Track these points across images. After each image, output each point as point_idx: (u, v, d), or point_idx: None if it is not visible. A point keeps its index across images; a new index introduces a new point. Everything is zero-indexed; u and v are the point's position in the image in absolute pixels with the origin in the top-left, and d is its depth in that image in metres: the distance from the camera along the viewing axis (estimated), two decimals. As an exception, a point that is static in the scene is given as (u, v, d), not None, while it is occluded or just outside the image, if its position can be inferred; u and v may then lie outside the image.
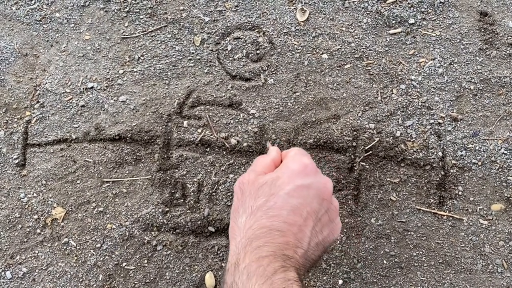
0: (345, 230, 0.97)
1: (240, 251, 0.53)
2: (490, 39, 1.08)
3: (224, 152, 1.02)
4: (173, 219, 0.99)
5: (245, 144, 1.02)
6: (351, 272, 0.95)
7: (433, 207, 0.98)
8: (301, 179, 0.57)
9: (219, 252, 0.97)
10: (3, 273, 0.97)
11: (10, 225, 1.00)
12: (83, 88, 1.08)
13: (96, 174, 1.02)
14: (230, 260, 0.54)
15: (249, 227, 0.54)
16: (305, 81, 1.06)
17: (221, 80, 1.07)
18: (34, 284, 0.96)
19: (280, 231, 0.53)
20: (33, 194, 1.01)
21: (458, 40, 1.08)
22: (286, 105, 1.04)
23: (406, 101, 1.04)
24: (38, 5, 1.15)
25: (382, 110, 1.03)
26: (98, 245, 0.98)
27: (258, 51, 1.09)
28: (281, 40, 1.09)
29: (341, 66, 1.07)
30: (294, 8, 1.12)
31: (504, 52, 1.07)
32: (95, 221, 0.99)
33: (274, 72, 1.07)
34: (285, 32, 1.10)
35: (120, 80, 1.08)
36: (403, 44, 1.09)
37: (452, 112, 1.03)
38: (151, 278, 0.96)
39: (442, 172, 0.99)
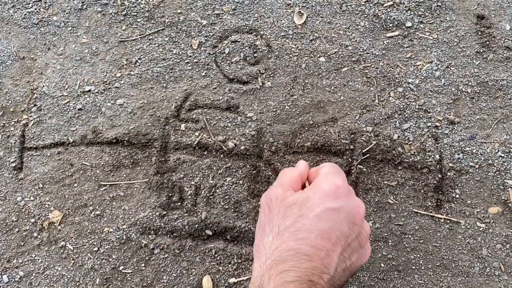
0: (342, 233, 0.97)
1: (264, 273, 0.51)
2: (487, 42, 1.08)
3: (222, 155, 1.02)
4: (171, 223, 0.99)
5: (242, 147, 1.02)
6: (349, 276, 0.95)
7: (430, 210, 0.98)
8: (332, 202, 0.55)
9: (216, 255, 0.97)
10: (-1, 277, 0.97)
11: (7, 229, 1.00)
12: (80, 91, 1.08)
13: (93, 178, 1.02)
14: (253, 282, 0.53)
15: (276, 248, 0.52)
16: (303, 84, 1.06)
17: (218, 83, 1.07)
18: (31, 287, 0.96)
19: (307, 255, 0.51)
20: (30, 197, 1.01)
21: (455, 43, 1.08)
22: (284, 108, 1.04)
23: (404, 104, 1.04)
24: (35, 8, 1.15)
25: (379, 113, 1.03)
26: (95, 249, 0.98)
27: (255, 54, 1.09)
28: (278, 43, 1.10)
29: (339, 69, 1.07)
30: (292, 12, 1.12)
31: (501, 55, 1.07)
32: (92, 224, 0.99)
33: (271, 75, 1.07)
34: (282, 35, 1.10)
35: (118, 83, 1.08)
36: (400, 47, 1.09)
37: (449, 115, 1.04)
38: (148, 282, 0.96)
39: (440, 175, 0.99)
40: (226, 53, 1.10)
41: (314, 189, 0.57)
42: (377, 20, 1.11)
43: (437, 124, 1.03)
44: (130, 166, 1.02)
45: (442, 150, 1.01)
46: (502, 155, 1.00)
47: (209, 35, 1.11)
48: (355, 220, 0.56)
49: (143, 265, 0.97)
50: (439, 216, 0.97)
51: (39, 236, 0.99)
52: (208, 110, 1.05)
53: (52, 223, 1.00)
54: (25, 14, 1.15)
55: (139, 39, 1.12)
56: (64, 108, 1.07)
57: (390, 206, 0.98)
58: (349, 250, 0.56)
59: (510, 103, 1.04)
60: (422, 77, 1.06)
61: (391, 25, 1.10)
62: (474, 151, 1.01)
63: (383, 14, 1.11)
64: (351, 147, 1.01)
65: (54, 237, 0.99)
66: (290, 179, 0.61)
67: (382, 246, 0.96)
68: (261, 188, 1.00)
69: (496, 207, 0.98)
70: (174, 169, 1.02)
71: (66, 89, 1.08)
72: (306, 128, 1.03)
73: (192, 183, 1.01)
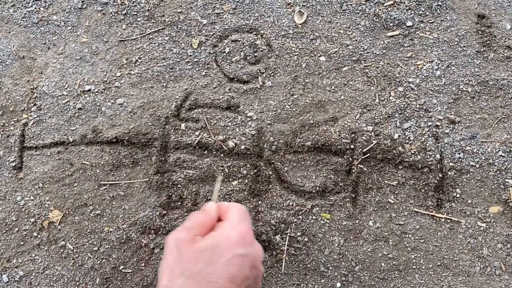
0: (343, 233, 0.97)
1: None
2: (488, 42, 1.08)
3: (222, 155, 1.02)
4: (171, 222, 0.98)
5: (242, 147, 1.02)
6: (349, 275, 0.95)
7: (431, 210, 0.98)
8: (240, 249, 0.62)
9: (216, 255, 0.97)
10: (-1, 277, 0.97)
11: (7, 228, 0.99)
12: (80, 91, 1.08)
13: (93, 177, 1.01)
14: None
15: None
16: (303, 83, 1.06)
17: (218, 83, 1.07)
18: (31, 287, 0.96)
19: None
20: (30, 197, 1.01)
21: (455, 43, 1.08)
22: (284, 108, 1.04)
23: (404, 103, 1.04)
24: (35, 8, 1.15)
25: (380, 113, 1.03)
26: (95, 248, 0.98)
27: (256, 54, 1.09)
28: (279, 43, 1.09)
29: (339, 69, 1.07)
30: (292, 11, 1.12)
31: (501, 55, 1.07)
32: (92, 224, 0.99)
33: (272, 75, 1.07)
34: (283, 35, 1.10)
35: (118, 82, 1.08)
36: (401, 46, 1.09)
37: (450, 114, 1.03)
38: (148, 282, 0.95)
39: (440, 175, 0.99)
40: (226, 52, 1.10)
41: (224, 237, 0.64)
42: (377, 20, 1.10)
43: (438, 123, 1.02)
44: (130, 165, 1.02)
45: (442, 150, 1.01)
46: (503, 154, 1.00)
47: (209, 34, 1.11)
48: (256, 264, 0.64)
49: (143, 264, 0.96)
50: (440, 215, 0.97)
51: (39, 236, 0.99)
52: (208, 110, 1.05)
53: (52, 222, 0.99)
54: (25, 13, 1.15)
55: (139, 38, 1.12)
56: (64, 107, 1.06)
57: (391, 206, 0.98)
58: None
59: (510, 102, 1.04)
60: (423, 77, 1.06)
61: (391, 24, 1.10)
62: (474, 150, 1.00)
63: (384, 13, 1.11)
64: (352, 146, 1.01)
65: (54, 237, 0.99)
66: (200, 225, 0.68)
67: (383, 246, 0.96)
68: (261, 187, 1.00)
69: (496, 206, 0.98)
70: (174, 168, 1.01)
71: (66, 88, 1.08)
72: (307, 128, 1.03)
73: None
